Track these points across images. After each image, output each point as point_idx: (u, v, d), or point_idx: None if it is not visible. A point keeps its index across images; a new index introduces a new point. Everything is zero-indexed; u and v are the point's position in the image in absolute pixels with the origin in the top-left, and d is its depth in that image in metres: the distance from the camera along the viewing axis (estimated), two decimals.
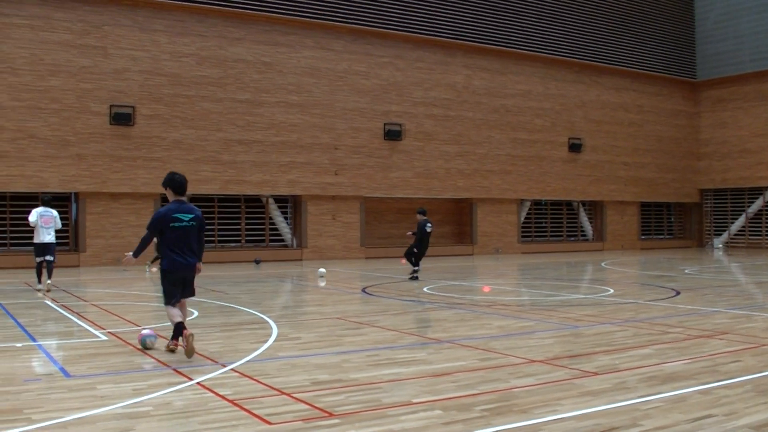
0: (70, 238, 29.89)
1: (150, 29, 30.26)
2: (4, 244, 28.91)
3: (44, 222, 18.85)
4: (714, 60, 46.76)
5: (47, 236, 18.85)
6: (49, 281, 18.67)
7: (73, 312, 14.41)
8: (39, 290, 18.84)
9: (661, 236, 48.02)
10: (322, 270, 24.19)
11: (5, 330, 11.99)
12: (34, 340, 11.00)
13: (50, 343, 10.75)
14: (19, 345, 10.52)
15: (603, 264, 30.28)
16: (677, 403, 7.24)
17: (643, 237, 46.25)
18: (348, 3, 34.63)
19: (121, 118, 29.36)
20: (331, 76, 34.21)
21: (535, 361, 9.33)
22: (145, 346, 10.08)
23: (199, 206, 31.84)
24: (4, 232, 28.97)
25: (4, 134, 27.71)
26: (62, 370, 8.82)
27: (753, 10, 44.38)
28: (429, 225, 22.58)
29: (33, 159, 28.12)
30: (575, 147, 41.75)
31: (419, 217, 22.90)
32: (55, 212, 19.14)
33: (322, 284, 21.45)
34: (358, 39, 35.02)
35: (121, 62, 29.66)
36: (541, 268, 28.08)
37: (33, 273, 20.77)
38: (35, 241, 18.98)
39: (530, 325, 12.70)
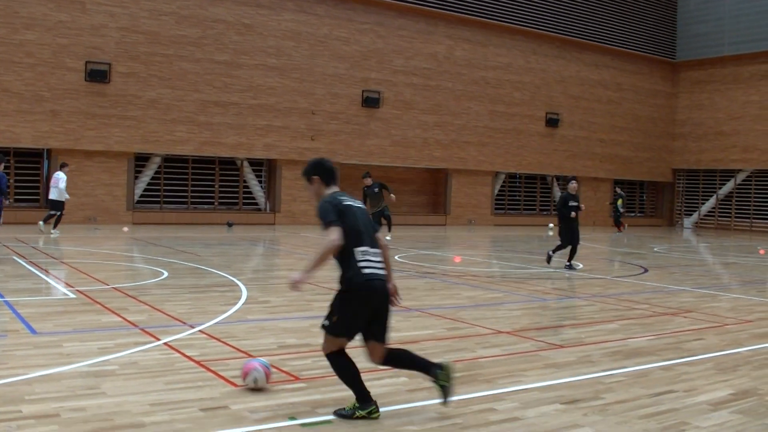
0: (41, 195, 29.64)
1: None
2: None
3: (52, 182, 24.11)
4: (694, 41, 46.83)
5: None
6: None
7: (42, 269, 14.34)
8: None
9: (633, 214, 48.25)
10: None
11: None
12: (0, 296, 10.93)
13: (17, 300, 10.68)
14: None
15: None
16: (639, 378, 7.32)
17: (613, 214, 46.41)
18: None
19: (97, 75, 29.05)
20: (312, 40, 33.98)
21: (502, 332, 9.39)
22: (256, 381, 6.53)
23: (173, 167, 31.78)
24: None
25: None
26: (28, 326, 8.79)
27: None
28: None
29: (5, 113, 27.76)
30: (552, 122, 41.80)
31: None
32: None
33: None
34: (340, 4, 34.76)
35: (99, 18, 29.29)
36: (512, 241, 28.20)
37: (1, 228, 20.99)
38: None
39: (499, 296, 12.78)
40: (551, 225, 35.67)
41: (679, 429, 5.80)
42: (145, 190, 31.57)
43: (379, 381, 6.78)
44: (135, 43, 29.93)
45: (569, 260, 17.79)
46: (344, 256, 5.92)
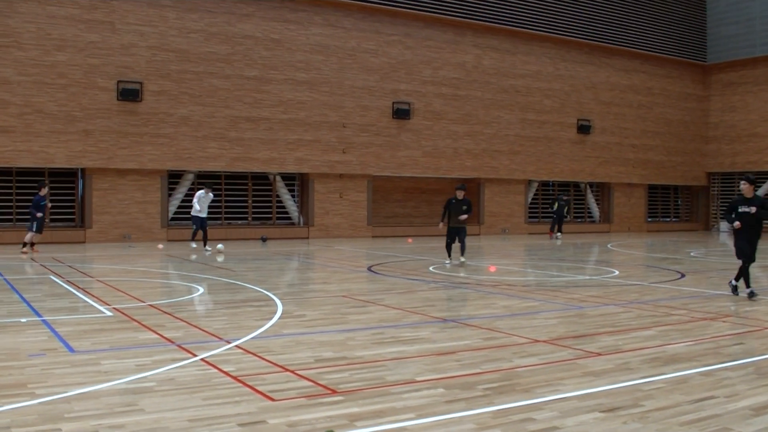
0: (76, 214, 29.93)
1: (158, 4, 30.16)
2: (10, 220, 28.92)
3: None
4: (725, 43, 46.48)
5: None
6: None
7: (79, 288, 14.44)
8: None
9: (668, 219, 47.90)
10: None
11: (10, 305, 12.01)
12: (38, 315, 11.01)
13: (54, 318, 10.75)
14: (23, 320, 10.53)
15: (609, 245, 30.24)
16: (679, 384, 7.23)
17: (649, 219, 46.16)
18: None
19: (129, 94, 29.32)
20: (340, 53, 34.09)
21: (538, 341, 9.32)
22: None
23: (206, 183, 31.93)
24: (10, 207, 28.98)
25: (11, 109, 27.67)
26: (66, 345, 8.84)
27: None
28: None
29: (39, 134, 28.10)
30: (584, 128, 41.62)
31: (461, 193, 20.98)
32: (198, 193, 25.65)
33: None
34: (368, 17, 34.86)
35: (129, 37, 29.58)
36: (547, 249, 28.06)
37: (39, 247, 21.80)
38: None
39: (535, 305, 12.69)
40: (559, 234, 35.28)
41: None
42: (179, 207, 31.76)
43: (417, 393, 6.75)
44: (165, 61, 30.17)
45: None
46: None
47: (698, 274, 18.68)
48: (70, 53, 28.56)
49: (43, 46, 28.13)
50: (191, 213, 25.82)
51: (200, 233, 25.49)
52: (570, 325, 10.66)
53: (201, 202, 25.22)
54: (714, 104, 47.37)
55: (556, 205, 36.11)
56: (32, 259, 21.20)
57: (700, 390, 7.00)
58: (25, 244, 23.56)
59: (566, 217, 37.40)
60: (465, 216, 20.35)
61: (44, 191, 23.89)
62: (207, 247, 25.05)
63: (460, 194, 20.34)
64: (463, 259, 20.49)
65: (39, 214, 23.61)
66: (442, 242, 30.42)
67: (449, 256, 20.92)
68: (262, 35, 32.23)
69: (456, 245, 20.89)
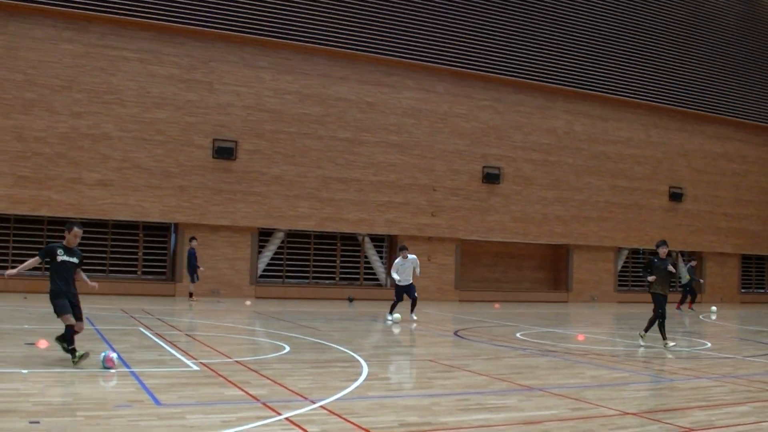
0: (167, 268, 30.48)
1: (255, 66, 30.87)
2: (103, 271, 29.54)
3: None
4: None
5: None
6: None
7: (167, 341, 14.63)
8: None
9: (763, 290, 46.65)
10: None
11: (100, 355, 12.20)
12: (127, 366, 11.18)
13: (142, 371, 10.90)
14: (112, 371, 10.70)
15: (701, 317, 29.54)
16: None
17: (743, 290, 45.01)
18: (450, 46, 34.76)
19: (224, 152, 29.92)
20: (432, 117, 34.32)
21: (627, 413, 9.11)
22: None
23: (296, 242, 32.24)
24: (104, 259, 29.64)
25: (111, 163, 28.51)
26: (153, 397, 8.94)
27: None
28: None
29: (136, 188, 28.84)
30: (676, 196, 41.00)
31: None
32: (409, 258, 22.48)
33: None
34: (460, 81, 35.09)
35: (226, 97, 30.29)
36: (636, 318, 27.51)
37: (130, 299, 22.05)
38: None
39: (624, 376, 12.43)
40: (714, 308, 33.78)
41: None
42: (268, 264, 32.10)
43: None
44: (260, 121, 30.77)
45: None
46: None
47: None
48: (169, 111, 29.36)
49: (143, 104, 29.00)
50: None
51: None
52: (660, 398, 10.41)
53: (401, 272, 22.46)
54: None
55: (686, 276, 33.89)
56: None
57: None
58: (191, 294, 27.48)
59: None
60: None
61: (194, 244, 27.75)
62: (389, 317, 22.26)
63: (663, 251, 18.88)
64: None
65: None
66: (529, 308, 30.15)
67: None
68: (356, 98, 32.67)
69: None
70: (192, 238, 27.84)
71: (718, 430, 8.36)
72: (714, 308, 33.63)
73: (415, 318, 22.05)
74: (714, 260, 42.92)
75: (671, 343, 16.60)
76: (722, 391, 11.12)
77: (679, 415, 9.08)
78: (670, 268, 16.92)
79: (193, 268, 27.29)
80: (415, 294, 22.46)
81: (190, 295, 27.41)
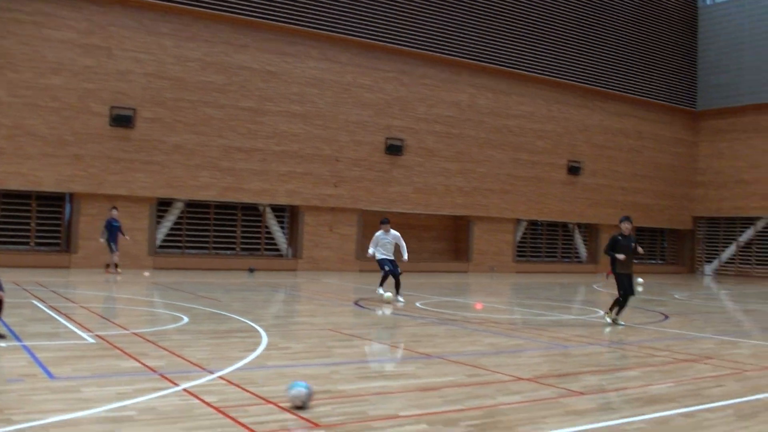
0: (62, 238, 29.76)
1: (156, 32, 30.25)
2: None
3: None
4: (714, 91, 46.97)
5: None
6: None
7: (61, 313, 14.33)
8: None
9: (654, 261, 48.01)
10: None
11: None
12: (19, 339, 10.91)
13: (35, 344, 10.65)
14: (3, 345, 10.42)
15: (595, 286, 30.25)
16: (660, 425, 7.22)
17: (636, 261, 45.98)
18: (355, 16, 34.65)
19: (122, 120, 29.30)
20: (336, 88, 34.21)
21: (522, 378, 9.30)
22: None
23: (196, 212, 31.87)
24: None
25: (1, 131, 27.56)
26: (46, 371, 8.75)
27: (755, 44, 44.72)
28: None
29: (29, 157, 27.97)
30: (574, 170, 41.80)
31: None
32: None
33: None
34: (364, 52, 35.03)
35: (125, 64, 29.62)
36: (534, 288, 28.05)
37: (22, 271, 21.44)
38: None
39: (520, 343, 12.68)
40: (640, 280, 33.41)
41: None
42: (167, 234, 31.68)
43: (400, 428, 6.70)
44: (160, 88, 30.21)
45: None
46: None
47: (682, 316, 18.71)
48: (65, 77, 28.52)
49: (37, 68, 28.09)
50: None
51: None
52: (554, 363, 10.64)
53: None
54: (702, 150, 47.73)
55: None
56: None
57: (680, 431, 7.00)
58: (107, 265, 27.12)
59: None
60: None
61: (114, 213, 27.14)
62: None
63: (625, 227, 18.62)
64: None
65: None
66: (430, 278, 30.45)
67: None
68: (259, 67, 32.33)
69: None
70: (113, 208, 27.31)
71: (607, 393, 8.61)
72: (640, 279, 33.40)
73: (401, 300, 19.65)
74: (610, 232, 43.82)
75: (609, 319, 16.09)
76: (613, 357, 11.45)
77: (571, 380, 9.31)
78: (639, 249, 16.90)
79: (114, 237, 26.78)
80: (399, 270, 20.38)
81: (107, 266, 27.12)
